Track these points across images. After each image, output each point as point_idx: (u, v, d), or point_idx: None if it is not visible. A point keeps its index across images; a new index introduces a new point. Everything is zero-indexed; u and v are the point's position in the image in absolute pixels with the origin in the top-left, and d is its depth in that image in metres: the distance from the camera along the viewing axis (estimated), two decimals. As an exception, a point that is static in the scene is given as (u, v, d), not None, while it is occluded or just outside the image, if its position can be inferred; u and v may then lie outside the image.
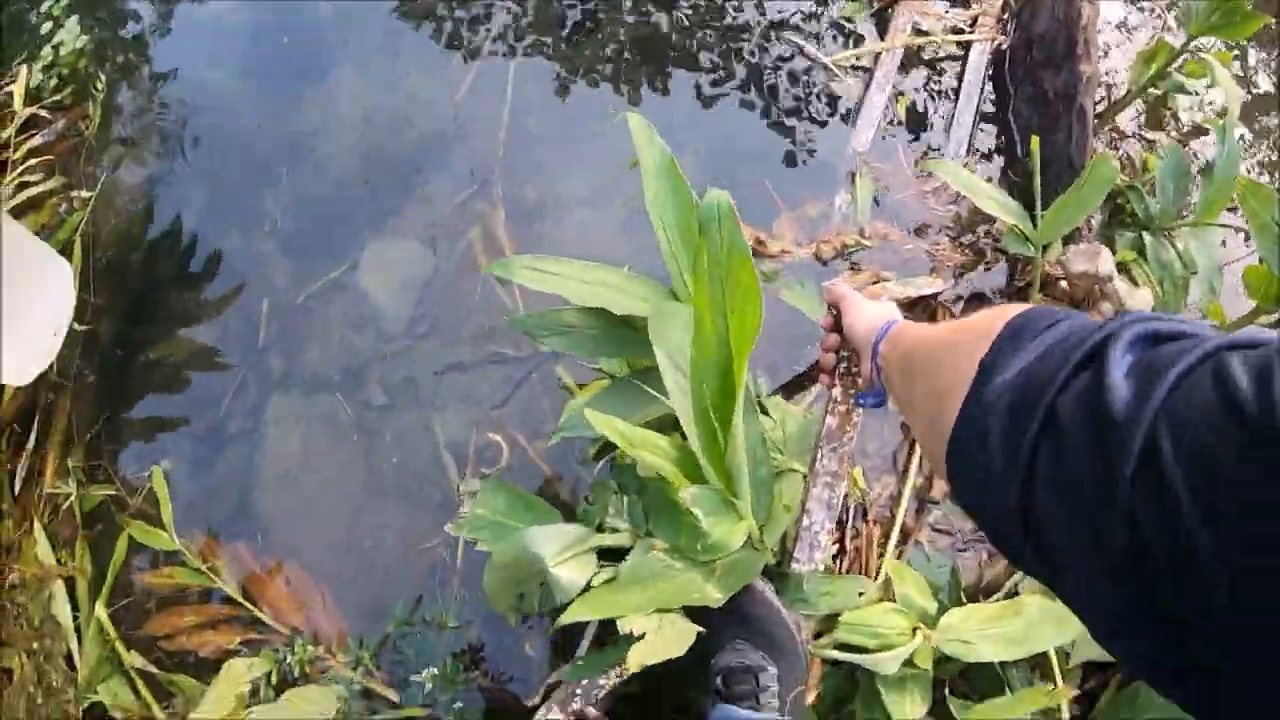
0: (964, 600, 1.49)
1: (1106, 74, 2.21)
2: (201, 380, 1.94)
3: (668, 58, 2.15)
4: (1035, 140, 1.75)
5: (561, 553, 1.22)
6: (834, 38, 2.15)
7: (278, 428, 1.88)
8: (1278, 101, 2.28)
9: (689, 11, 2.20)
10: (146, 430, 1.91)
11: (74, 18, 2.39)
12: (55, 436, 1.92)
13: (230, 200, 2.10)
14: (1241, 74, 2.28)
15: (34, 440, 1.89)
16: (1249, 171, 2.20)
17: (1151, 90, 2.09)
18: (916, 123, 2.05)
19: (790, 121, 2.06)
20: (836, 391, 1.34)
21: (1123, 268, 1.80)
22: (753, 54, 2.14)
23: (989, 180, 1.97)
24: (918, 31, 2.13)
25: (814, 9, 2.18)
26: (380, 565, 1.72)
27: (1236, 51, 2.28)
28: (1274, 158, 2.23)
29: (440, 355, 1.88)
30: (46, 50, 2.34)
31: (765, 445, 1.32)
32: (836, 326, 1.21)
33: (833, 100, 2.07)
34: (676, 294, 1.33)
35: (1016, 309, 0.61)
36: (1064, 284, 1.70)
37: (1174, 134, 2.18)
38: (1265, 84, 2.29)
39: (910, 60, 2.12)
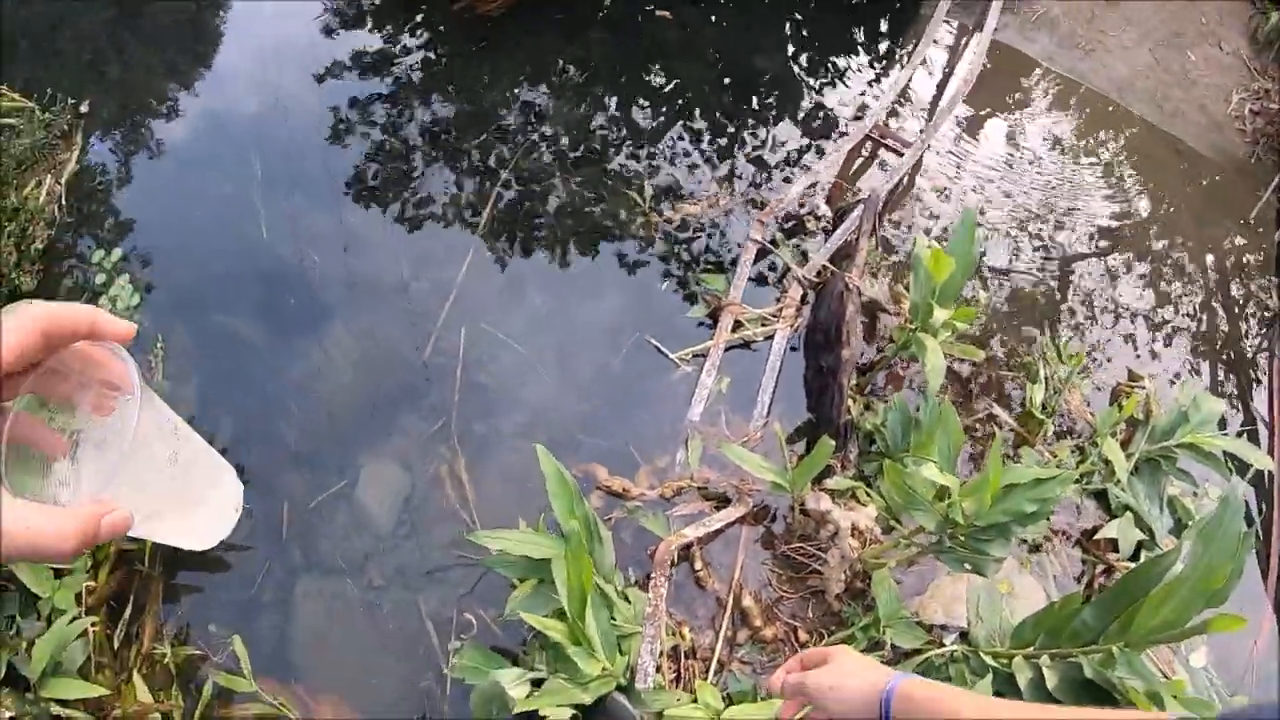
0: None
1: (863, 354, 3.33)
2: (234, 565, 2.82)
3: (576, 357, 3.23)
4: (777, 428, 2.85)
5: (513, 682, 2.22)
6: (680, 337, 3.24)
7: (303, 601, 2.82)
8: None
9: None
10: (203, 603, 2.80)
11: (124, 277, 3.24)
12: (152, 607, 2.83)
13: (255, 427, 3.02)
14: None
15: (129, 611, 2.77)
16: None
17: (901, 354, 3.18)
18: (735, 394, 3.13)
19: (649, 403, 3.13)
20: None
21: (852, 493, 2.87)
22: (623, 362, 3.22)
23: (794, 429, 3.06)
24: (737, 326, 3.23)
25: (670, 317, 3.28)
26: (389, 697, 2.67)
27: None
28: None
29: (421, 553, 2.85)
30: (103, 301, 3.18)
31: (613, 621, 2.34)
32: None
33: (675, 384, 3.15)
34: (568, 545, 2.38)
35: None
36: (806, 515, 2.77)
37: (907, 388, 3.30)
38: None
39: (735, 347, 3.22)
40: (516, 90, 3.93)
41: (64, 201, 3.43)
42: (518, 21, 4.10)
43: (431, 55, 4.02)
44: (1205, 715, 2.02)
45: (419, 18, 4.14)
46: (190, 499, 0.84)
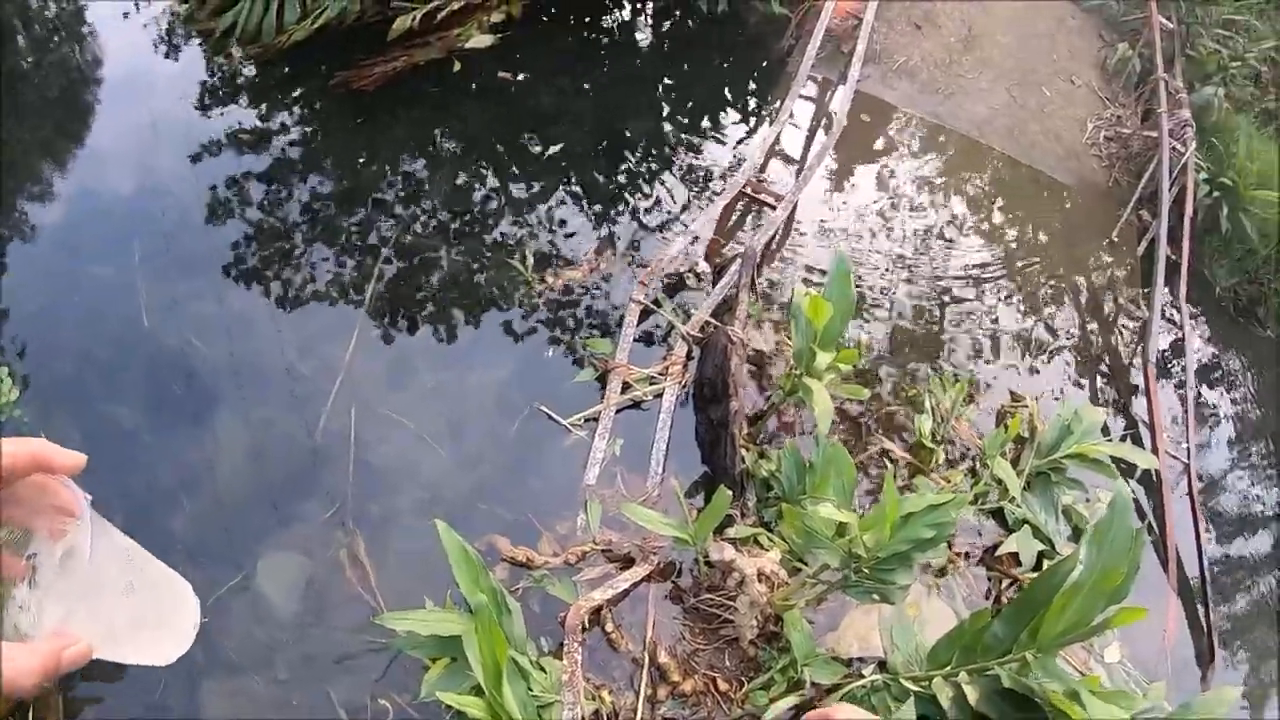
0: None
1: (752, 404, 3.37)
2: (135, 673, 2.64)
3: (473, 434, 3.21)
4: (674, 483, 2.86)
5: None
6: (571, 402, 3.24)
7: (209, 703, 2.68)
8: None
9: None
10: (105, 715, 2.63)
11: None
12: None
13: (144, 523, 2.86)
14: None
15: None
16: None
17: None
18: (629, 454, 3.13)
19: (545, 470, 3.11)
20: None
21: (754, 539, 2.88)
22: (516, 431, 3.21)
23: (691, 483, 3.07)
24: (626, 387, 3.25)
25: (560, 383, 3.29)
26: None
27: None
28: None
29: (328, 641, 2.75)
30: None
31: (531, 692, 2.29)
32: None
33: (569, 450, 3.14)
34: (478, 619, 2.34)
35: None
36: (711, 566, 2.77)
37: (798, 433, 3.34)
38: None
39: (626, 408, 3.23)
40: (395, 164, 3.93)
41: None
42: (393, 95, 4.12)
43: (309, 131, 4.00)
44: (1124, 705, 2.06)
45: (296, 94, 4.13)
46: (149, 622, 0.86)
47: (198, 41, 4.19)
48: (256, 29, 4.00)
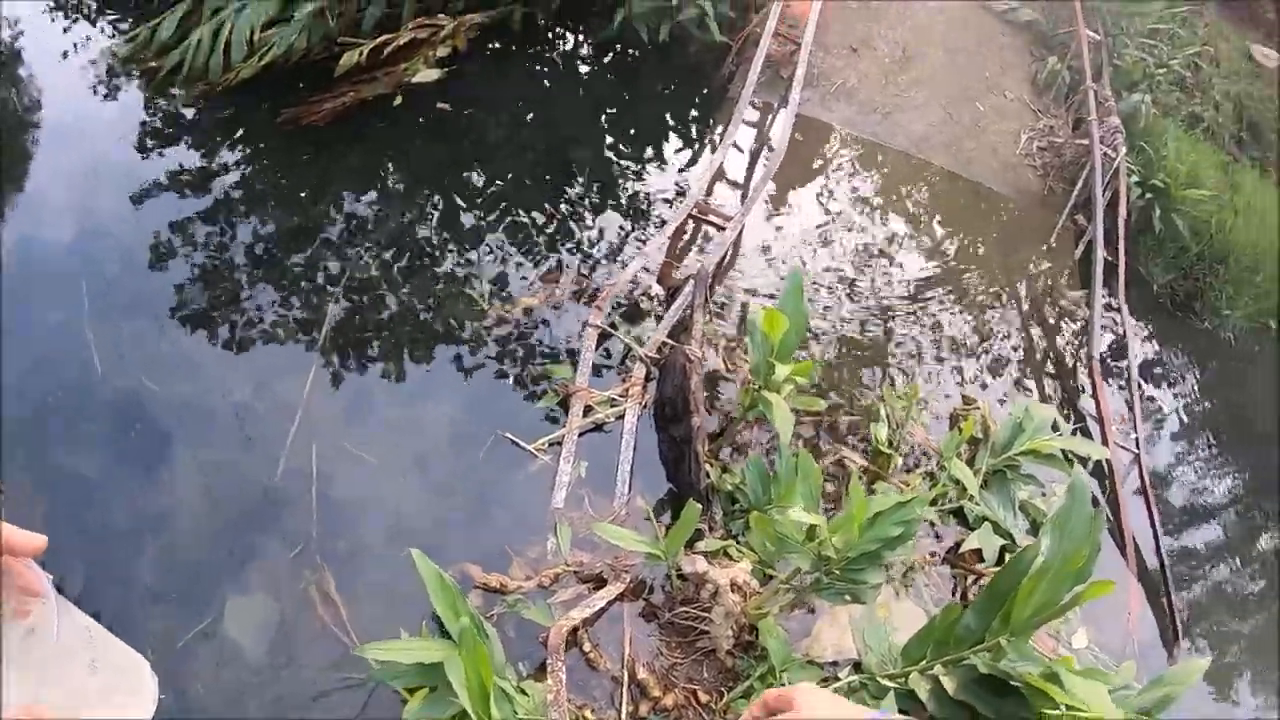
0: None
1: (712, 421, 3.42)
2: None
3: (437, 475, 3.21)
4: (641, 502, 2.89)
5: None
6: (534, 429, 3.26)
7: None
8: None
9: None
10: None
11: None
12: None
13: (107, 570, 2.79)
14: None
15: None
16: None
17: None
18: (595, 476, 3.16)
19: (512, 497, 3.12)
20: None
21: (724, 551, 2.91)
22: (482, 460, 3.22)
23: (658, 501, 3.10)
24: (588, 410, 3.27)
25: (522, 411, 3.32)
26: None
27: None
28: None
29: (301, 680, 2.72)
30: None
31: (516, 715, 2.30)
32: None
33: (535, 475, 3.16)
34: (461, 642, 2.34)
35: None
36: (684, 579, 2.80)
37: (758, 446, 3.39)
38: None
39: (589, 431, 3.26)
40: (344, 200, 3.93)
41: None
42: (342, 131, 4.12)
43: (256, 169, 3.98)
44: (1099, 681, 2.11)
45: (241, 132, 4.10)
46: (113, 700, 0.89)
47: (138, 82, 4.15)
48: (204, 67, 4.00)
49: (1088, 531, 2.08)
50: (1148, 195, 5.04)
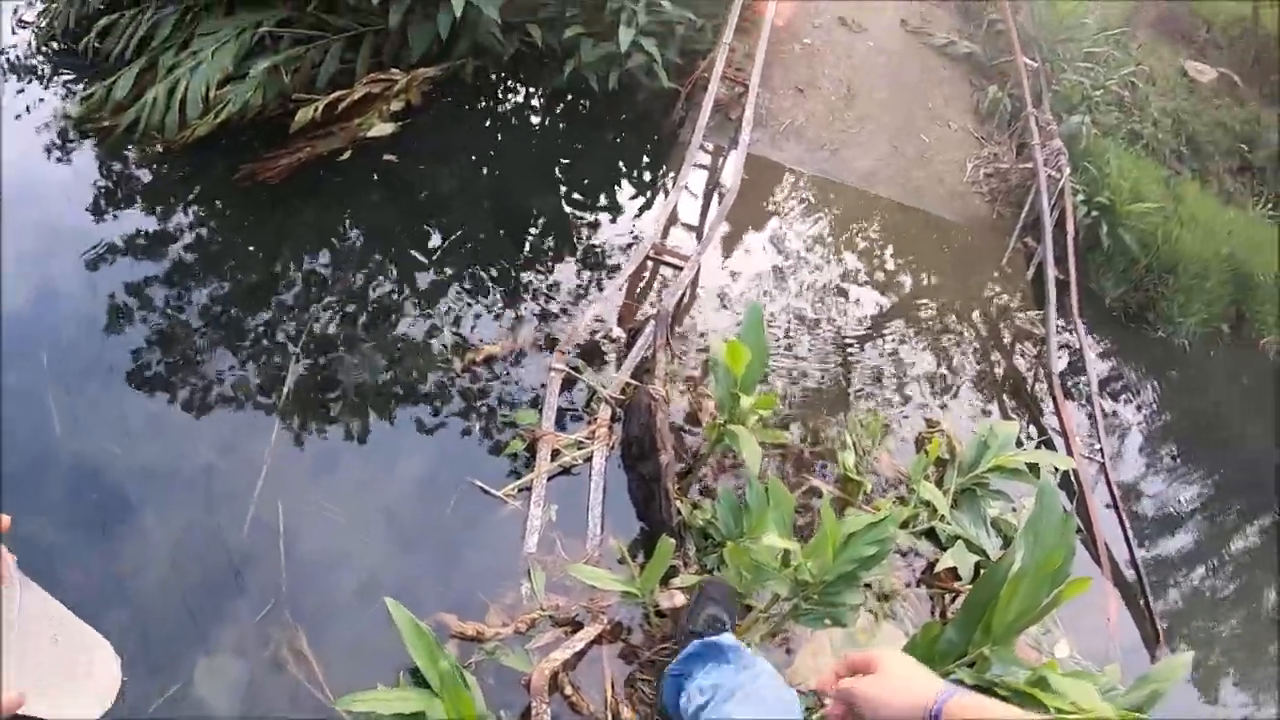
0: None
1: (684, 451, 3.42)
2: None
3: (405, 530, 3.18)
4: (614, 542, 2.87)
5: None
6: (503, 476, 3.25)
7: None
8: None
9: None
10: None
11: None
12: None
13: None
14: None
15: None
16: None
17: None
18: (566, 519, 3.14)
19: (484, 544, 3.09)
20: None
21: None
22: (451, 509, 3.19)
23: (630, 540, 3.09)
24: (555, 454, 3.26)
25: (489, 458, 3.30)
26: None
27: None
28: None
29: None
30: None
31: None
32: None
33: (505, 521, 3.13)
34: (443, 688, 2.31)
35: None
36: (663, 615, 2.79)
37: (727, 480, 3.39)
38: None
39: (557, 475, 3.24)
40: (302, 258, 3.92)
41: None
42: (298, 186, 4.11)
43: (212, 227, 3.95)
44: (1087, 682, 2.11)
45: (197, 191, 4.08)
46: (75, 674, 0.95)
47: (92, 142, 4.14)
48: (159, 125, 4.00)
49: (1061, 533, 2.11)
50: (1094, 213, 5.16)
